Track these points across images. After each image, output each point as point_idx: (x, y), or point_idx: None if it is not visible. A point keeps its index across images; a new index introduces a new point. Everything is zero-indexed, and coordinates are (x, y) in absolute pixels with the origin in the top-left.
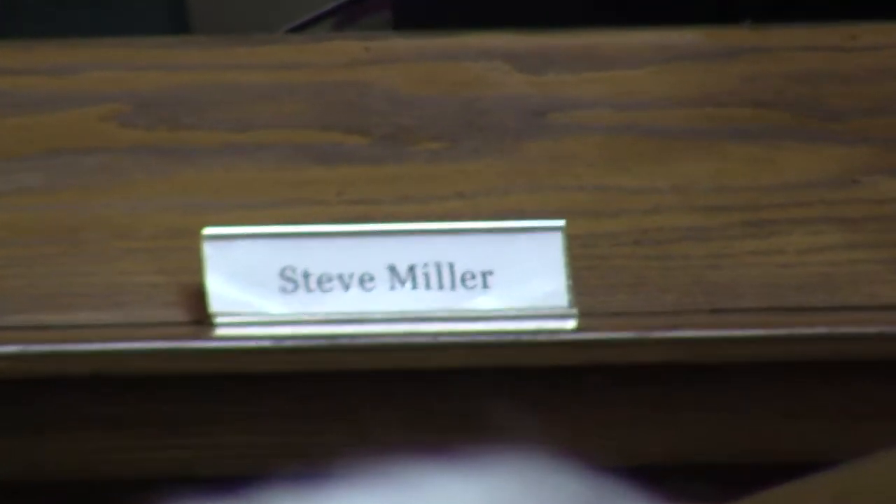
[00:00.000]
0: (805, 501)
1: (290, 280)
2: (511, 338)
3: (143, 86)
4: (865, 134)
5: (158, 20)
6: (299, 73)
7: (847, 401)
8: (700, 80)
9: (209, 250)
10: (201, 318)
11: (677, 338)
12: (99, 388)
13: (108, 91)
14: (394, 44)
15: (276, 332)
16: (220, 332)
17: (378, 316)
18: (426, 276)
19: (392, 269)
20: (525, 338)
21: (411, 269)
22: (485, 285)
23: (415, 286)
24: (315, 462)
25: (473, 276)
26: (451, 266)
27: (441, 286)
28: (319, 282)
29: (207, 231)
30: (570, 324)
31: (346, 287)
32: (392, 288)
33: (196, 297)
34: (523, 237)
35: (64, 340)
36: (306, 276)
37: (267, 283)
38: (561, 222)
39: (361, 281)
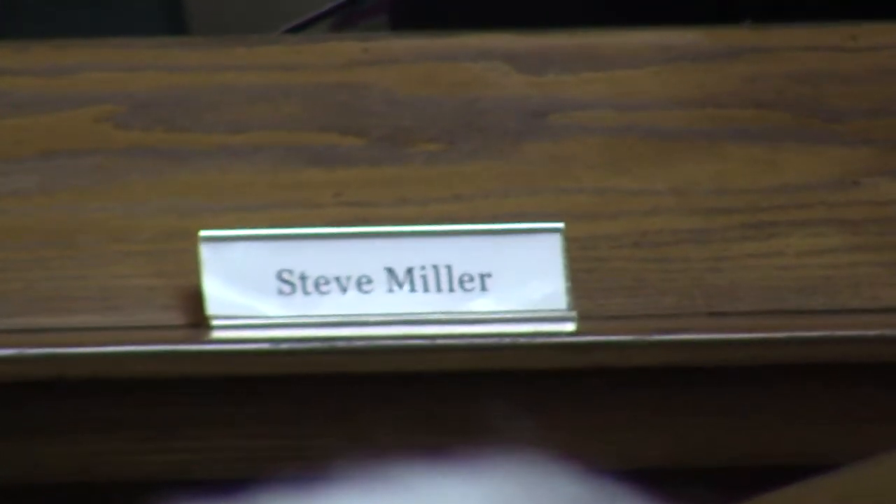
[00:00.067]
0: None
1: (288, 282)
2: (509, 340)
3: (139, 87)
4: (866, 135)
5: (156, 21)
6: (297, 75)
7: (847, 404)
8: (700, 81)
9: (206, 253)
10: (198, 321)
11: (676, 340)
12: (96, 390)
13: (103, 92)
14: (392, 44)
15: (273, 335)
16: (217, 334)
17: (376, 318)
18: (424, 278)
19: (390, 272)
20: (523, 340)
21: (409, 271)
22: (483, 288)
23: (413, 289)
24: (312, 465)
25: (471, 279)
26: (449, 268)
27: (439, 289)
28: (317, 284)
29: (204, 233)
30: (569, 326)
31: (344, 289)
32: (390, 290)
33: (193, 300)
34: (522, 239)
35: (61, 343)
36: (303, 278)
37: (264, 286)
38: (560, 224)
39: (359, 283)
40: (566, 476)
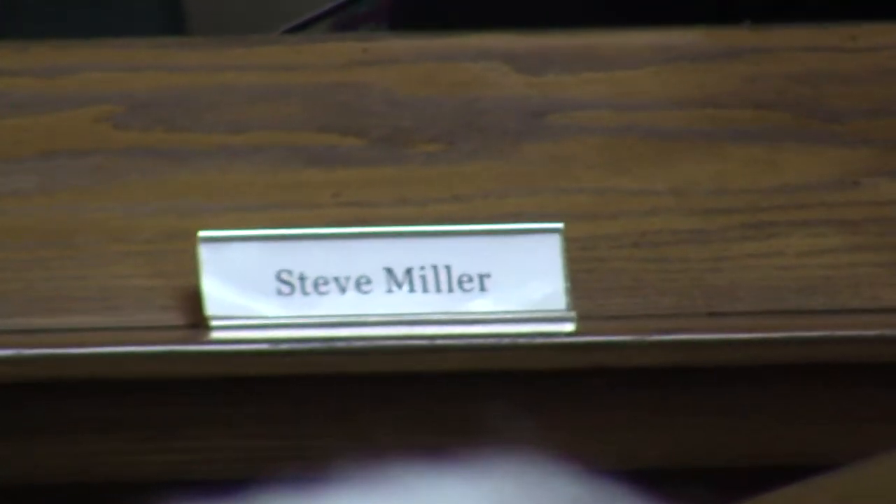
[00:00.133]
0: None
1: (287, 283)
2: (508, 341)
3: (139, 87)
4: (866, 135)
5: (155, 21)
6: (296, 75)
7: (847, 404)
8: (700, 81)
9: (205, 253)
10: (197, 322)
11: (676, 341)
12: (95, 391)
13: (103, 92)
14: (391, 44)
15: (272, 336)
16: (216, 335)
17: (375, 319)
18: (423, 278)
19: (389, 272)
20: (522, 341)
21: (408, 271)
22: (482, 288)
23: (412, 289)
24: (312, 465)
25: (471, 279)
26: (449, 269)
27: (438, 289)
28: (316, 285)
29: (203, 234)
30: (568, 327)
31: (343, 290)
32: (389, 291)
33: (192, 301)
34: (521, 239)
35: (60, 344)
36: (302, 278)
37: (263, 286)
38: (559, 225)
39: (358, 284)
40: (566, 476)
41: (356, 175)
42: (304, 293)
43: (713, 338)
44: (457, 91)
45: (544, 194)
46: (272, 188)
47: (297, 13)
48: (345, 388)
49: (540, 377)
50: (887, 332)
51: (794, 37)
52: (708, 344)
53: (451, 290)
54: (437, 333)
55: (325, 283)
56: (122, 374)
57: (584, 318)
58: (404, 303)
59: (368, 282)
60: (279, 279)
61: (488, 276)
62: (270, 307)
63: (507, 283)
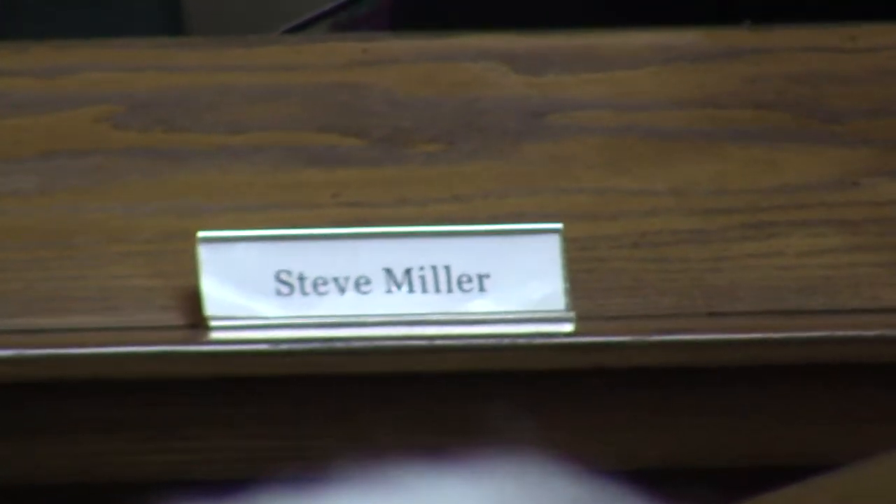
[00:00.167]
0: None
1: (286, 283)
2: (508, 341)
3: (138, 87)
4: (866, 135)
5: (155, 21)
6: (296, 75)
7: (847, 404)
8: (700, 82)
9: (204, 253)
10: (197, 322)
11: (675, 341)
12: (95, 391)
13: (103, 92)
14: (391, 45)
15: (271, 336)
16: (215, 335)
17: (374, 319)
18: (422, 279)
19: (388, 272)
20: (522, 341)
21: (408, 272)
22: (481, 288)
23: (411, 289)
24: (311, 465)
25: (470, 280)
26: (448, 269)
27: (438, 289)
28: (315, 285)
29: (203, 234)
30: (568, 327)
31: (342, 290)
32: (388, 291)
33: (191, 301)
34: (521, 240)
35: (59, 344)
36: (302, 279)
37: (262, 287)
38: (559, 225)
39: (357, 284)
40: (566, 476)
41: (356, 175)
42: (304, 293)
43: (713, 338)
44: (457, 91)
45: (544, 194)
46: (272, 188)
47: (296, 13)
48: (344, 388)
49: (539, 377)
50: (887, 332)
51: (794, 37)
52: (708, 344)
53: (450, 290)
54: (437, 334)
55: (325, 283)
56: (123, 374)
57: (584, 319)
58: (404, 303)
59: (368, 282)
60: (279, 279)
61: (488, 276)
62: (270, 307)
63: (507, 283)
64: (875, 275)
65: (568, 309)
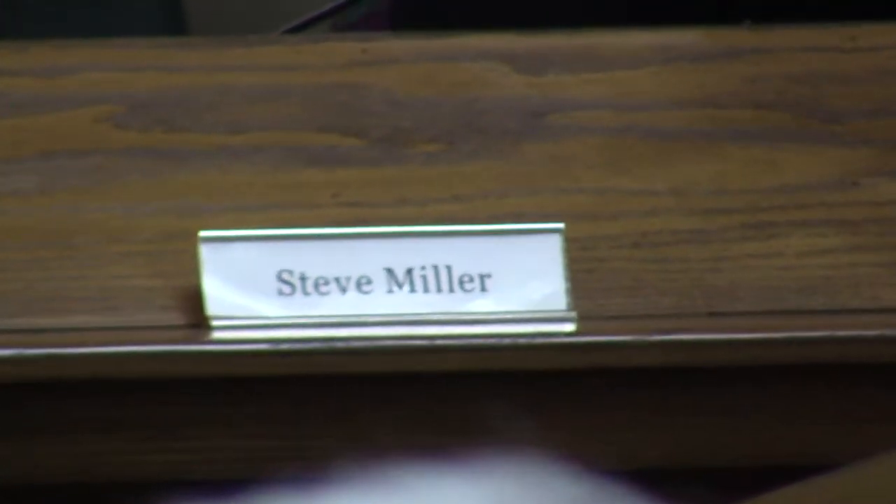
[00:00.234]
0: None
1: (287, 283)
2: (509, 341)
3: (139, 87)
4: (866, 136)
5: (155, 21)
6: (296, 75)
7: (847, 404)
8: (700, 82)
9: (206, 253)
10: (198, 322)
11: (676, 341)
12: (96, 391)
13: (103, 92)
14: (391, 45)
15: (272, 336)
16: (216, 335)
17: (375, 319)
18: (424, 278)
19: (389, 272)
20: (523, 341)
21: (409, 272)
22: (483, 288)
23: (412, 289)
24: (312, 465)
25: (471, 279)
26: (449, 269)
27: (439, 289)
28: (316, 285)
29: (204, 234)
30: (569, 327)
31: (343, 290)
32: (389, 291)
33: (192, 301)
34: (521, 240)
35: (60, 344)
36: (303, 279)
37: (264, 286)
38: (559, 225)
39: (358, 284)
40: (566, 476)
41: (356, 175)
42: (305, 293)
43: (713, 338)
44: (457, 91)
45: (544, 194)
46: (272, 188)
47: (296, 13)
48: (345, 388)
49: (540, 377)
50: (887, 332)
51: (794, 37)
52: (708, 344)
53: (451, 290)
54: (438, 334)
55: (326, 283)
56: (123, 373)
57: (585, 319)
58: (405, 303)
59: (369, 282)
60: (280, 279)
61: (489, 276)
62: (271, 307)
63: (508, 283)
64: (875, 275)
65: (569, 309)
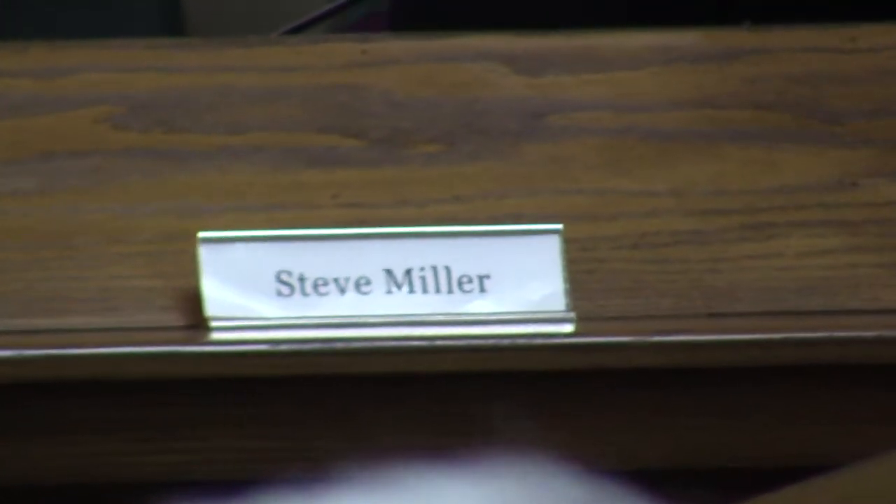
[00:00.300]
0: None
1: (287, 284)
2: (508, 341)
3: (138, 88)
4: (865, 136)
5: (155, 22)
6: (295, 76)
7: (846, 405)
8: (699, 82)
9: (205, 254)
10: (197, 322)
11: (675, 341)
12: (95, 392)
13: (101, 93)
14: (391, 45)
15: (272, 336)
16: (215, 336)
17: (374, 320)
18: (423, 279)
19: (388, 273)
20: (522, 341)
21: (408, 272)
22: (482, 289)
23: (411, 290)
24: (312, 466)
25: (470, 280)
26: (448, 270)
27: (438, 290)
28: (315, 285)
29: (203, 234)
30: (568, 327)
31: (343, 291)
32: (388, 292)
33: (192, 301)
34: (521, 240)
35: (59, 345)
36: (302, 279)
37: (263, 287)
38: (559, 226)
39: (358, 285)
40: (566, 477)
41: (356, 176)
42: (304, 294)
43: (712, 338)
44: (456, 92)
45: (544, 195)
46: (272, 189)
47: (296, 14)
48: (344, 388)
49: (539, 378)
50: (886, 332)
51: (794, 38)
52: (707, 345)
53: (450, 290)
54: (437, 334)
55: (325, 283)
56: (122, 374)
57: (584, 319)
58: (404, 304)
59: (368, 283)
60: (279, 280)
61: (488, 276)
62: (270, 308)
63: (507, 284)
64: (874, 275)
65: (568, 309)
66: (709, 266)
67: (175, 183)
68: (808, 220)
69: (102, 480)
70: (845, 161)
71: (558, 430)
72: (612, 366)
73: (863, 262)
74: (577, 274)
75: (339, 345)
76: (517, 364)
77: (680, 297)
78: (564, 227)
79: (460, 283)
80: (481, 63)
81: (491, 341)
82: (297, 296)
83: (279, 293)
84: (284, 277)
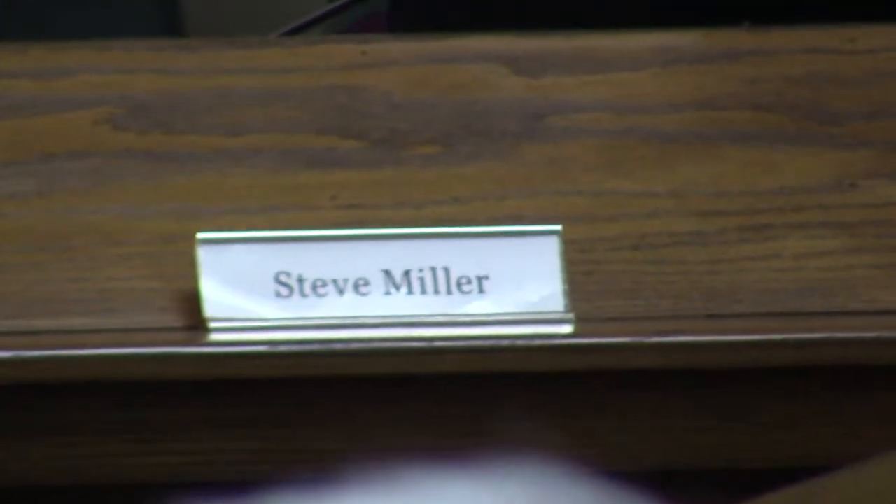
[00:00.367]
0: None
1: (285, 285)
2: (507, 343)
3: (137, 89)
4: (864, 137)
5: (154, 23)
6: (294, 77)
7: (846, 405)
8: (699, 83)
9: (203, 255)
10: (196, 324)
11: (675, 343)
12: (93, 392)
13: (101, 94)
14: (390, 47)
15: (270, 337)
16: (214, 337)
17: (373, 321)
18: (421, 280)
19: (387, 274)
20: (521, 342)
21: (406, 273)
22: (480, 290)
23: (410, 291)
24: (311, 467)
25: (469, 281)
26: (447, 270)
27: (437, 291)
28: (314, 286)
29: (202, 235)
30: (567, 328)
31: (341, 292)
32: (387, 293)
33: (190, 302)
34: (519, 241)
35: (58, 346)
36: (301, 280)
37: (262, 288)
38: (557, 227)
39: (356, 286)
40: (565, 478)
41: (355, 177)
42: (303, 295)
43: (712, 339)
44: (455, 93)
45: (543, 196)
46: (271, 190)
47: (295, 15)
48: (343, 389)
49: (538, 379)
50: (885, 334)
51: (794, 39)
52: (707, 346)
53: (449, 292)
54: (436, 335)
55: (324, 285)
56: (121, 375)
57: (583, 320)
58: (402, 305)
59: (367, 284)
60: (278, 281)
61: (487, 277)
62: (269, 309)
63: (506, 285)
64: (873, 277)
65: (567, 310)
66: (708, 267)
67: (174, 184)
68: (808, 222)
69: (102, 481)
70: (844, 162)
71: (557, 431)
72: (612, 367)
73: (861, 263)
74: (576, 275)
75: (338, 346)
76: (516, 365)
77: (679, 298)
78: (564, 228)
79: (459, 284)
80: (481, 64)
81: (490, 342)
82: (296, 297)
83: (278, 294)
84: (283, 278)
